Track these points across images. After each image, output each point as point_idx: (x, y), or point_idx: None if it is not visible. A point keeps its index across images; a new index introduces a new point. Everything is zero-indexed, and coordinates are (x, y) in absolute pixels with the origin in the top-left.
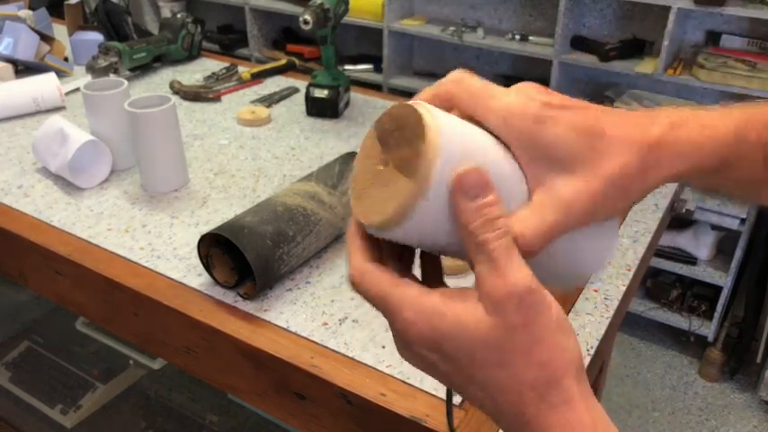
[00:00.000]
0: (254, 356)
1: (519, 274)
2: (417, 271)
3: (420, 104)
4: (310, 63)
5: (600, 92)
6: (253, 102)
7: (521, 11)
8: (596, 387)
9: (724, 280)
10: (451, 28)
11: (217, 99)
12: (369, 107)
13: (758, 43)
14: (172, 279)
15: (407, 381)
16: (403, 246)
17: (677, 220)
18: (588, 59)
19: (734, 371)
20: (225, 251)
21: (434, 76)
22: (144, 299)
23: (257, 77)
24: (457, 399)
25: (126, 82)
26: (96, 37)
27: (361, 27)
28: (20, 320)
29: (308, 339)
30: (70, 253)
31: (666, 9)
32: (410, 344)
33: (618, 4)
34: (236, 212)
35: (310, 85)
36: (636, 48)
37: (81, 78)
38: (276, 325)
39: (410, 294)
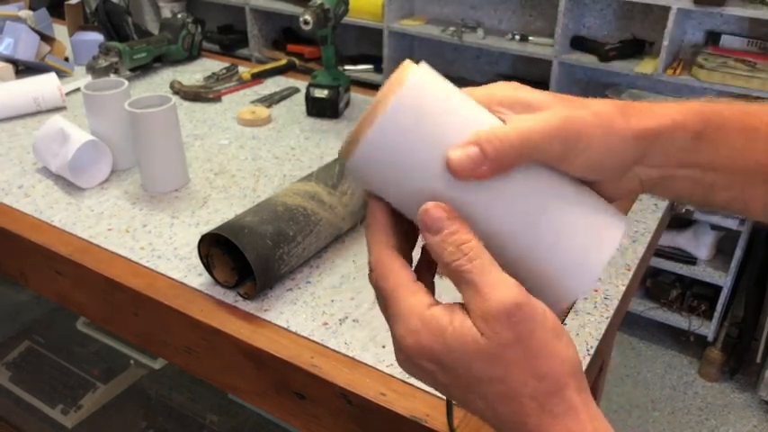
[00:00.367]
0: (254, 356)
1: (502, 291)
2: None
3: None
4: (310, 63)
5: (600, 92)
6: (253, 102)
7: (521, 11)
8: (596, 387)
9: (724, 280)
10: (451, 28)
11: (217, 99)
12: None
13: (758, 43)
14: (172, 279)
15: (408, 380)
16: (411, 223)
17: (677, 219)
18: (588, 59)
19: (734, 371)
20: (225, 251)
21: None
22: (144, 299)
23: (257, 77)
24: None
25: (126, 82)
26: (97, 37)
27: (361, 27)
28: (20, 320)
29: (309, 339)
30: (71, 253)
31: (666, 9)
32: (410, 353)
33: (618, 4)
34: (237, 212)
35: (310, 85)
36: (636, 48)
37: (81, 78)
38: (276, 325)
39: (420, 303)
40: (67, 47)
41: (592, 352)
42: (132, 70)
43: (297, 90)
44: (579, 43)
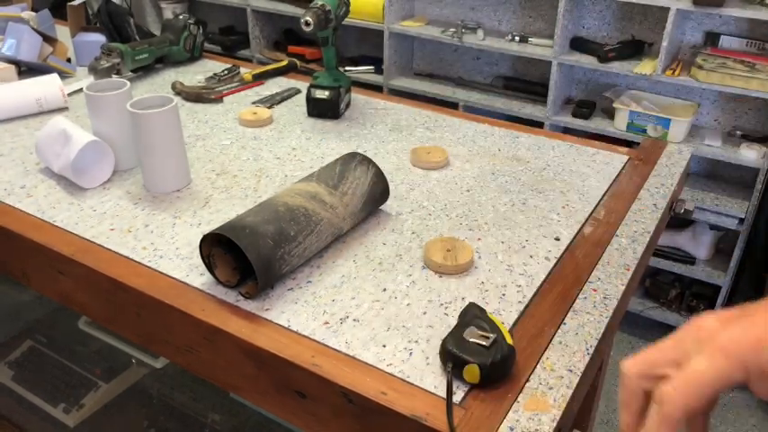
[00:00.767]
0: (255, 355)
1: None
2: None
3: None
4: (311, 64)
5: (599, 93)
6: (254, 102)
7: (520, 12)
8: (595, 386)
9: (723, 279)
10: (451, 29)
11: (218, 100)
12: (369, 108)
13: (757, 44)
14: (174, 279)
15: (408, 379)
16: None
17: (676, 219)
18: (587, 60)
19: None
20: (227, 251)
21: (434, 77)
22: (146, 298)
23: (259, 78)
24: (457, 398)
25: (128, 83)
26: (99, 38)
27: (361, 28)
28: (22, 320)
29: (310, 338)
30: (73, 253)
31: (665, 10)
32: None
33: (617, 5)
34: (238, 212)
35: (311, 86)
36: (635, 49)
37: (83, 79)
38: (277, 324)
39: None
40: (70, 48)
41: (591, 351)
42: (134, 71)
43: (298, 91)
44: (579, 44)
